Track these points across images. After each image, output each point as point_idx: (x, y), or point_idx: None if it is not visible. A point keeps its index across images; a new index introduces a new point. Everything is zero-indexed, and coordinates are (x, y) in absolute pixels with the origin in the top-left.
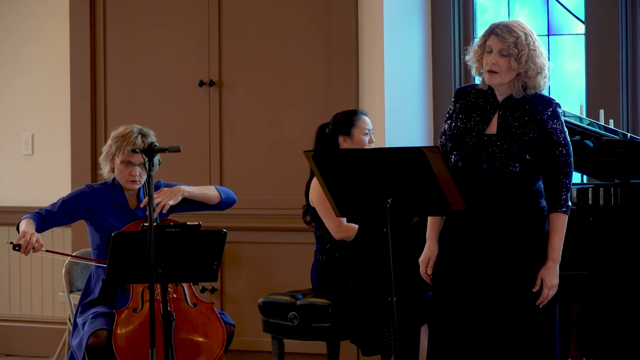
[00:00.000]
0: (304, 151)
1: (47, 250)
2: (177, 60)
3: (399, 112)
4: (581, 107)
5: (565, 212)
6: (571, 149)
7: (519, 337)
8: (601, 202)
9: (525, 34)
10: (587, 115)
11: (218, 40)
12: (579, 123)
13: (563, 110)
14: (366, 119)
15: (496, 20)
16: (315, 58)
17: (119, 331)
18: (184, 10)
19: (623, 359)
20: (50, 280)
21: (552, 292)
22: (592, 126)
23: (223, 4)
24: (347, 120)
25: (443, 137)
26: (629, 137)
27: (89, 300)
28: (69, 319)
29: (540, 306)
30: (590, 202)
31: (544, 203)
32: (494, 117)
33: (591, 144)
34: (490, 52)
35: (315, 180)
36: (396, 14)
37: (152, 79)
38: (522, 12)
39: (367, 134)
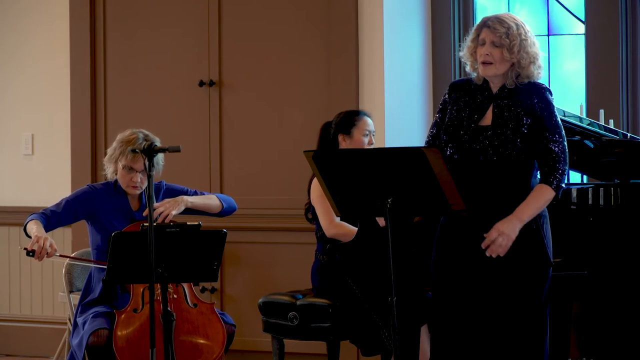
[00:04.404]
0: (304, 151)
1: (61, 255)
2: (177, 60)
3: (399, 112)
4: (581, 107)
5: (553, 189)
6: (563, 132)
7: (510, 335)
8: (601, 202)
9: (517, 24)
10: (587, 115)
11: (218, 40)
12: (579, 123)
13: (563, 110)
14: (368, 120)
15: None
16: (315, 57)
17: (119, 332)
18: (184, 10)
19: (623, 359)
20: (50, 280)
21: (501, 240)
22: (592, 126)
23: (223, 4)
24: (349, 119)
25: (434, 128)
26: (629, 137)
27: (89, 300)
28: (69, 319)
29: (487, 254)
30: (590, 202)
31: None
32: (489, 109)
33: (591, 144)
34: (483, 44)
35: (315, 179)
36: (396, 14)
37: (152, 79)
38: (522, 12)
39: (367, 135)
